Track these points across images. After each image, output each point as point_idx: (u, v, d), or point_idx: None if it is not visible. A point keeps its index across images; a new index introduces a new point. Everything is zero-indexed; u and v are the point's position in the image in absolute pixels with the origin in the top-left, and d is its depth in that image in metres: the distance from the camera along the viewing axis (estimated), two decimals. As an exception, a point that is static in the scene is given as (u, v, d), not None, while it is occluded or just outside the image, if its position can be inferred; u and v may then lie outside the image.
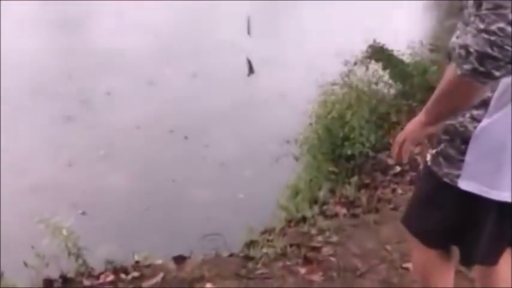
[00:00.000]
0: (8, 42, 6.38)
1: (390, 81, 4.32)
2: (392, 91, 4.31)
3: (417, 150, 3.39)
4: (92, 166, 4.20)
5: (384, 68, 4.31)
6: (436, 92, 1.27)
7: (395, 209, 2.66)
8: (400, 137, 1.41)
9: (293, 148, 3.90)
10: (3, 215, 3.53)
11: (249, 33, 3.87)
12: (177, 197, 3.89)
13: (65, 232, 2.46)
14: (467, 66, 1.11)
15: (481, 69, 1.09)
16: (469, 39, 1.10)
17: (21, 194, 3.84)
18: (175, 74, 5.65)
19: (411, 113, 4.09)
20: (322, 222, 2.59)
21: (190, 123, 4.79)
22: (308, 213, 2.80)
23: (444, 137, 1.37)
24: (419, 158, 3.33)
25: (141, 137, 4.61)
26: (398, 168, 3.31)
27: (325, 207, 2.94)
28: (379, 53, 4.35)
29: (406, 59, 4.48)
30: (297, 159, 3.68)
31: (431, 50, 4.97)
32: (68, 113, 4.84)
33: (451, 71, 1.18)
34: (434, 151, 1.42)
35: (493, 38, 1.06)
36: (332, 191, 3.19)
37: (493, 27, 1.06)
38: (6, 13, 7.74)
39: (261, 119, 4.80)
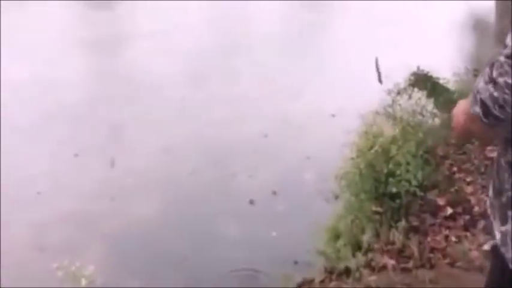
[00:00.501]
0: (38, 62, 6.28)
1: (435, 111, 3.98)
2: (438, 121, 3.97)
3: (470, 190, 3.04)
4: (119, 196, 3.93)
5: (428, 97, 3.97)
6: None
7: (451, 264, 2.30)
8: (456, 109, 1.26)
9: (331, 182, 3.57)
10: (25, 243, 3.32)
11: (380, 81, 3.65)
12: (204, 231, 3.59)
13: (83, 283, 2.20)
14: (475, 109, 1.09)
15: (484, 119, 1.07)
16: (480, 84, 1.06)
17: (47, 223, 3.60)
18: (208, 98, 5.38)
19: (459, 146, 3.74)
20: (369, 277, 2.25)
21: (222, 149, 4.50)
22: (351, 264, 2.46)
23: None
24: (472, 200, 2.97)
25: (169, 163, 4.33)
26: (449, 210, 2.95)
27: (370, 255, 2.59)
28: (423, 81, 4.02)
29: (452, 86, 4.14)
30: (336, 196, 3.34)
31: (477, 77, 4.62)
32: (94, 138, 4.60)
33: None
34: (503, 228, 1.14)
35: (496, 93, 0.99)
36: (377, 235, 2.84)
37: (501, 81, 0.97)
38: (37, 31, 7.73)
39: (297, 147, 4.47)
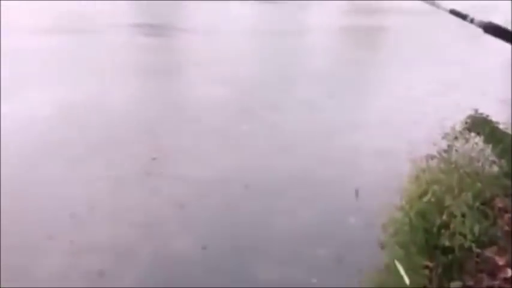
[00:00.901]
0: (90, 87, 6.32)
1: (493, 158, 3.66)
2: (496, 169, 3.64)
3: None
4: (161, 226, 3.75)
5: (486, 142, 3.67)
6: None
7: None
8: None
9: (377, 229, 3.30)
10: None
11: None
12: (241, 271, 3.36)
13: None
14: None
15: None
16: None
17: (81, 252, 3.46)
18: (253, 129, 5.21)
19: (520, 198, 3.40)
20: None
21: (265, 182, 4.28)
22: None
23: None
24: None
25: (210, 195, 4.13)
26: (510, 272, 2.62)
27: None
28: (480, 125, 3.72)
29: (512, 132, 3.82)
30: (381, 245, 3.06)
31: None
32: (141, 167, 4.48)
33: None
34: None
35: None
36: (427, 294, 2.55)
37: None
38: (94, 57, 7.86)
39: (342, 187, 4.22)
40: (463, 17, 2.53)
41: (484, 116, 3.77)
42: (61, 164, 4.45)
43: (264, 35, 11.41)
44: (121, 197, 4.08)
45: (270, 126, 5.32)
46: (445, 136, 3.40)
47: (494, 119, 3.80)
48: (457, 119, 3.84)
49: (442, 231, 2.86)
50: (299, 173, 4.41)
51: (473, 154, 3.56)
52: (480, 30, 2.46)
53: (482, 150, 3.62)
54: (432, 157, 3.34)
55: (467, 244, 2.78)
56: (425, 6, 2.81)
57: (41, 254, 3.33)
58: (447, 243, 2.81)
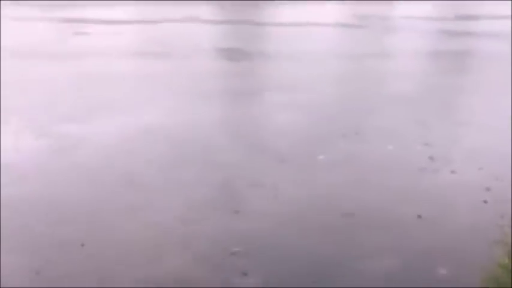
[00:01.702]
0: (163, 110, 6.17)
1: None
2: None
3: None
4: (223, 263, 3.36)
5: None
6: None
7: None
8: None
9: (473, 285, 2.73)
10: None
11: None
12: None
13: None
14: None
15: None
16: None
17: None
18: (331, 159, 4.75)
19: None
20: None
21: (341, 217, 3.80)
22: None
23: None
24: None
25: (280, 229, 3.68)
26: None
27: None
28: None
29: None
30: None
31: None
32: (207, 191, 4.17)
33: None
34: None
35: None
36: None
37: None
38: (172, 80, 7.79)
39: (432, 228, 3.63)
40: None
41: None
42: (132, 186, 4.26)
43: (348, 59, 10.88)
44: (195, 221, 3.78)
45: (347, 157, 4.82)
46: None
47: None
48: None
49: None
50: (382, 210, 3.88)
51: None
52: None
53: None
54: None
55: None
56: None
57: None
58: None
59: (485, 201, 3.88)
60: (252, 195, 4.08)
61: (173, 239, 3.48)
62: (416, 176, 4.43)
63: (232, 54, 10.76)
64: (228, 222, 3.68)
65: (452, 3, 18.70)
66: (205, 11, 17.03)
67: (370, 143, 5.19)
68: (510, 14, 15.15)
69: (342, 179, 4.36)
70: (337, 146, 5.11)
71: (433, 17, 16.31)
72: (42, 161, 4.74)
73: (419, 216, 3.70)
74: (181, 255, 3.29)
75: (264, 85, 8.08)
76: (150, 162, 4.69)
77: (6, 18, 16.59)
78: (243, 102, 6.91)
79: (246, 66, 9.73)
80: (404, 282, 3.02)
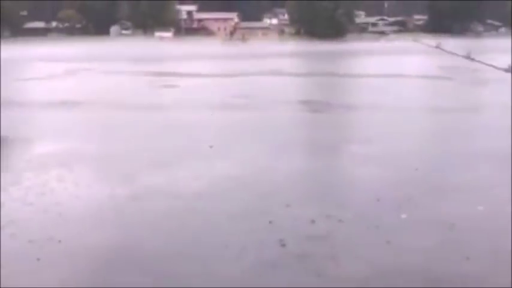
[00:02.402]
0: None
1: None
2: None
3: None
4: None
5: None
6: None
7: None
8: None
9: None
10: None
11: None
12: None
13: None
14: None
15: None
16: None
17: None
18: (412, 220, 4.40)
19: None
20: None
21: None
22: None
23: None
24: None
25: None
26: None
27: None
28: None
29: None
30: None
31: None
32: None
33: None
34: None
35: None
36: None
37: None
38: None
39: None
40: None
41: None
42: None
43: (432, 112, 10.24)
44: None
45: (431, 218, 4.40)
46: None
47: None
48: None
49: None
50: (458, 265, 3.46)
51: None
52: None
53: None
54: None
55: None
56: None
57: None
58: None
59: None
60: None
61: None
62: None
63: (314, 106, 10.65)
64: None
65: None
66: (289, 63, 17.20)
67: (455, 204, 4.69)
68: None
69: (427, 241, 4.00)
70: (418, 205, 4.70)
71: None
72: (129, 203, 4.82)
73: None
74: None
75: (343, 137, 7.86)
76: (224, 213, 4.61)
77: (97, 72, 17.69)
78: (324, 155, 6.73)
79: (327, 118, 9.57)
80: None
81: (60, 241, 3.99)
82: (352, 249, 3.87)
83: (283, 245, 3.90)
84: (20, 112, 10.18)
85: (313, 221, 4.33)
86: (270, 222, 4.31)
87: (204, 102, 11.10)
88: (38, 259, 3.72)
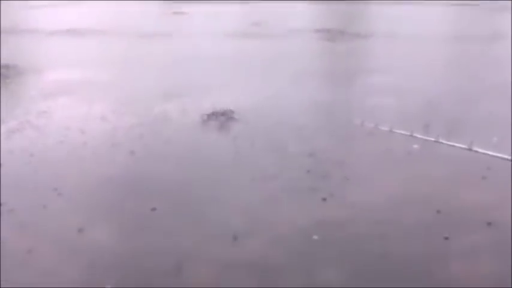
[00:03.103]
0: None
1: None
2: None
3: None
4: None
5: None
6: None
7: None
8: None
9: None
10: None
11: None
12: None
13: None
14: None
15: None
16: None
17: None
18: (424, 152, 4.20)
19: None
20: None
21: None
22: None
23: None
24: None
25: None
26: None
27: None
28: None
29: None
30: None
31: None
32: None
33: None
34: None
35: None
36: None
37: None
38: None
39: None
40: None
41: None
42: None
43: (449, 40, 9.78)
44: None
45: (443, 151, 4.14)
46: None
47: None
48: None
49: None
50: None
51: None
52: None
53: None
54: None
55: None
56: None
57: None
58: None
59: None
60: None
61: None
62: None
63: (330, 35, 10.28)
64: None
65: None
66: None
67: (467, 136, 4.42)
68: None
69: (431, 172, 3.81)
70: (431, 136, 4.46)
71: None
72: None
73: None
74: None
75: (359, 67, 7.58)
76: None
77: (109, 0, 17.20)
78: (338, 84, 6.54)
79: (342, 46, 9.22)
80: None
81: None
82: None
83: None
84: (27, 39, 10.10)
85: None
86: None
87: (215, 31, 10.79)
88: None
